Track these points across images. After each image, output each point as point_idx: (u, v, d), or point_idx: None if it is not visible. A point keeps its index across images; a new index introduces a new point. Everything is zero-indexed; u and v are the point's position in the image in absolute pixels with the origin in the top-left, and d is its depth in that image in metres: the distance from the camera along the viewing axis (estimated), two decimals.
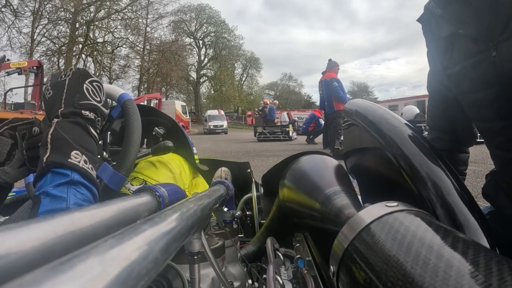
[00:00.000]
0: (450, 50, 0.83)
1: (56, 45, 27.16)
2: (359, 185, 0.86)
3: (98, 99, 0.73)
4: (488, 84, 0.74)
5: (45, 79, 10.67)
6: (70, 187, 0.59)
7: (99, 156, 0.89)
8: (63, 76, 0.72)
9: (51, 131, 0.63)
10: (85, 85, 0.71)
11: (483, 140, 0.86)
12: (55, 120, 0.66)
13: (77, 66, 0.76)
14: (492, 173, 0.91)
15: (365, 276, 0.33)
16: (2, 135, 0.71)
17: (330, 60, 6.96)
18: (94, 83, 0.73)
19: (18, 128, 0.73)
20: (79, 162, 0.62)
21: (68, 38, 27.15)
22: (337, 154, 5.57)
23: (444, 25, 0.83)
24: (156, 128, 1.19)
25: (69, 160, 0.61)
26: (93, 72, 27.57)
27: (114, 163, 0.83)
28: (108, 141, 0.98)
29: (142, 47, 32.19)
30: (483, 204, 0.96)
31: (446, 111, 0.99)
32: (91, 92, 0.72)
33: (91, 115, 0.70)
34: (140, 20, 31.33)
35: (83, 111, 0.68)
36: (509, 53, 0.68)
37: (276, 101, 16.44)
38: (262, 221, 1.19)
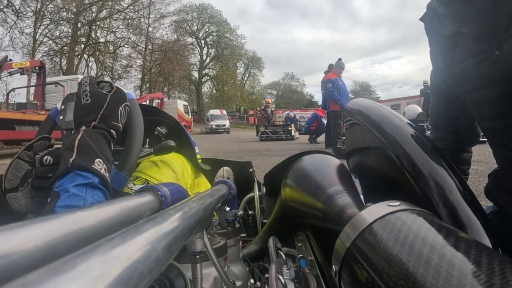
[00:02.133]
0: (453, 49, 0.83)
1: (58, 45, 27.30)
2: (361, 184, 0.86)
3: (123, 121, 0.79)
4: (491, 83, 0.74)
5: (47, 79, 10.70)
6: (88, 189, 0.63)
7: None
8: (103, 90, 0.77)
9: (79, 137, 0.67)
10: (120, 108, 0.77)
11: (486, 139, 0.86)
12: (84, 127, 0.70)
13: (79, 69, 0.78)
14: (495, 172, 0.91)
15: (367, 275, 0.33)
16: (19, 158, 0.72)
17: (339, 59, 6.95)
18: (126, 107, 0.80)
19: (34, 145, 0.74)
20: (100, 169, 0.66)
21: (70, 38, 27.26)
22: (339, 153, 5.56)
23: (447, 24, 0.83)
24: (158, 127, 1.19)
25: (93, 166, 0.64)
26: (95, 72, 27.72)
27: (117, 162, 0.83)
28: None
29: (144, 47, 32.30)
30: (486, 203, 0.95)
31: (449, 110, 0.99)
32: (122, 116, 0.77)
33: (114, 134, 0.75)
34: (142, 20, 31.48)
35: (111, 130, 0.74)
36: None
37: (292, 114, 16.34)
38: (264, 221, 1.19)
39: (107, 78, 27.14)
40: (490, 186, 0.89)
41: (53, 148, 0.74)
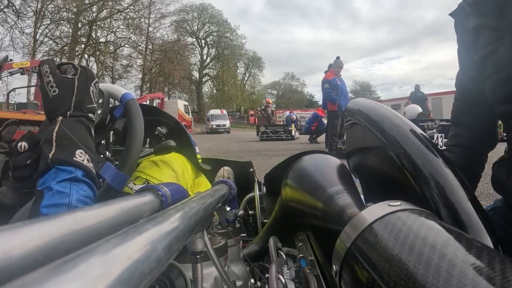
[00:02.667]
0: (476, 39, 0.94)
1: (59, 45, 27.26)
2: (361, 184, 0.86)
3: (97, 99, 0.74)
4: (505, 66, 0.83)
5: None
6: (72, 184, 0.60)
7: (101, 156, 0.90)
8: (68, 74, 0.70)
9: (56, 129, 0.63)
10: (91, 88, 0.72)
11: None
12: (60, 118, 0.66)
13: (79, 63, 0.75)
14: (501, 160, 0.95)
15: (367, 275, 0.33)
16: None
17: (337, 58, 6.91)
18: (96, 85, 0.74)
19: (2, 134, 0.71)
20: (83, 160, 0.63)
21: (70, 38, 27.23)
22: (339, 153, 5.55)
23: (472, 19, 0.95)
24: (158, 127, 1.19)
25: (74, 158, 0.62)
26: (95, 72, 27.73)
27: (117, 162, 0.83)
28: (111, 140, 0.98)
29: (145, 46, 32.28)
30: (486, 203, 0.96)
31: (470, 105, 1.05)
32: (94, 95, 0.73)
33: (92, 117, 0.71)
34: (142, 19, 31.43)
35: (89, 114, 0.70)
36: None
37: (294, 116, 16.02)
38: (264, 221, 1.19)
39: (107, 78, 27.21)
40: (497, 173, 0.94)
41: (26, 132, 0.70)
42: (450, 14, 1.04)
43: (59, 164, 0.60)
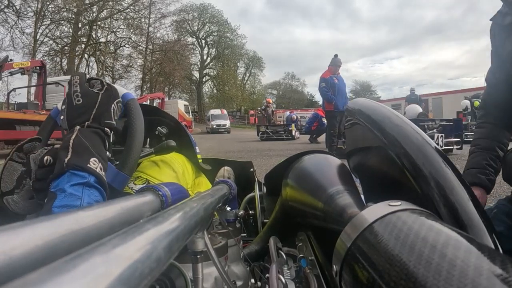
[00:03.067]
0: (510, 33, 1.13)
1: (59, 45, 27.32)
2: (362, 184, 0.86)
3: (117, 118, 0.79)
4: None
5: (48, 79, 10.69)
6: (85, 188, 0.63)
7: None
8: (94, 88, 0.76)
9: (73, 137, 0.67)
10: (113, 106, 0.77)
11: None
12: (78, 127, 0.70)
13: (80, 69, 0.77)
14: None
15: (367, 275, 0.33)
16: (12, 160, 0.72)
17: (335, 56, 6.82)
18: (118, 104, 0.80)
19: (24, 147, 0.74)
20: (96, 168, 0.66)
21: (70, 38, 27.27)
22: (339, 153, 5.54)
23: (508, 17, 1.15)
24: (159, 127, 1.19)
25: (88, 165, 0.65)
26: (96, 72, 27.73)
27: (117, 162, 0.83)
28: (111, 140, 0.98)
29: (145, 46, 32.32)
30: (486, 204, 0.96)
31: (496, 96, 1.27)
32: (114, 113, 0.78)
33: (108, 132, 0.76)
34: (142, 19, 31.47)
35: (105, 128, 0.74)
36: None
37: (294, 116, 16.10)
38: (265, 221, 1.19)
39: (107, 78, 27.14)
40: (509, 162, 1.10)
41: (51, 147, 0.73)
42: (490, 19, 1.24)
43: (74, 169, 0.63)
